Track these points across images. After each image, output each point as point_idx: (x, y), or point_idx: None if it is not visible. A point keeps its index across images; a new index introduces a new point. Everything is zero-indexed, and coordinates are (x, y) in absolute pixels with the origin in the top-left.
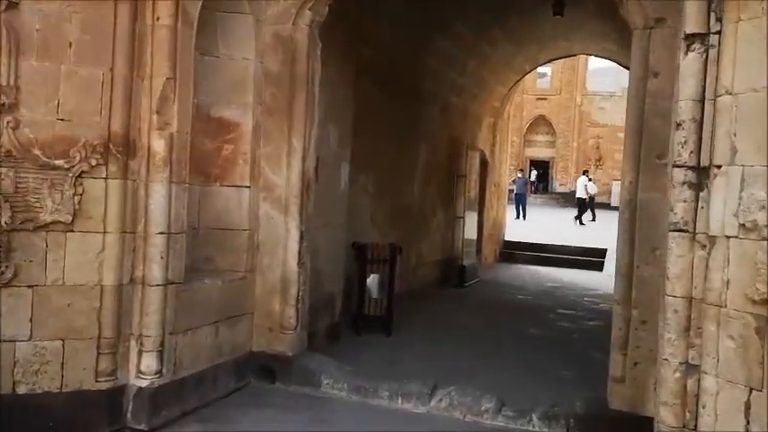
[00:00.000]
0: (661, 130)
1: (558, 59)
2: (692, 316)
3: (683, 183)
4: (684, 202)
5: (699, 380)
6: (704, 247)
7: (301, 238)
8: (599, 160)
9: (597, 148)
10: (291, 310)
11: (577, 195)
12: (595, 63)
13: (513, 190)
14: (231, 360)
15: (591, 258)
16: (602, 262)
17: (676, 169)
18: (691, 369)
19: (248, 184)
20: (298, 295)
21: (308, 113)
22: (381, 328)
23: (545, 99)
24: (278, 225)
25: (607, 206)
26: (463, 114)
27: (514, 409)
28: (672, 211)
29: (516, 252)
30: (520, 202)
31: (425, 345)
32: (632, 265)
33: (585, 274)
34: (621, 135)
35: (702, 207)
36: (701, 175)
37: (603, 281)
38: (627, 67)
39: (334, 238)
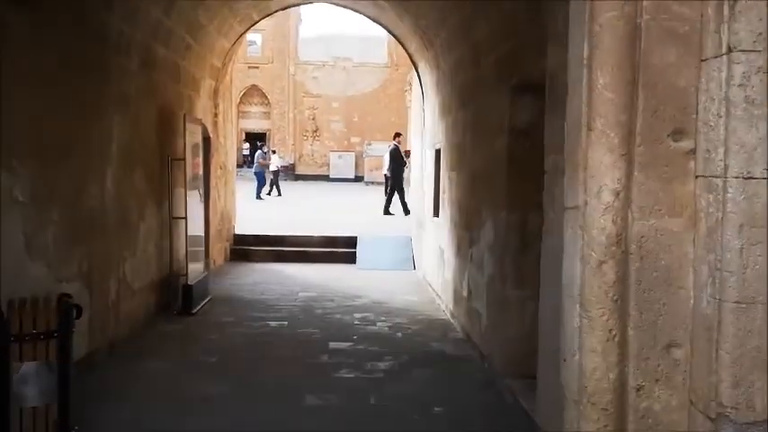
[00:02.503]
0: (679, 76)
1: (294, 6)
2: None
3: None
4: None
5: None
6: None
7: None
8: (315, 131)
9: (313, 119)
10: None
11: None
12: (306, 32)
13: (259, 172)
14: None
15: (337, 249)
16: (353, 253)
17: None
18: None
19: None
20: None
21: None
22: None
23: (257, 68)
24: None
25: (326, 178)
26: (175, 73)
27: None
28: None
29: (250, 249)
30: (270, 180)
31: None
32: (624, 385)
33: (337, 270)
34: (336, 105)
35: None
36: None
37: (362, 280)
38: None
39: None
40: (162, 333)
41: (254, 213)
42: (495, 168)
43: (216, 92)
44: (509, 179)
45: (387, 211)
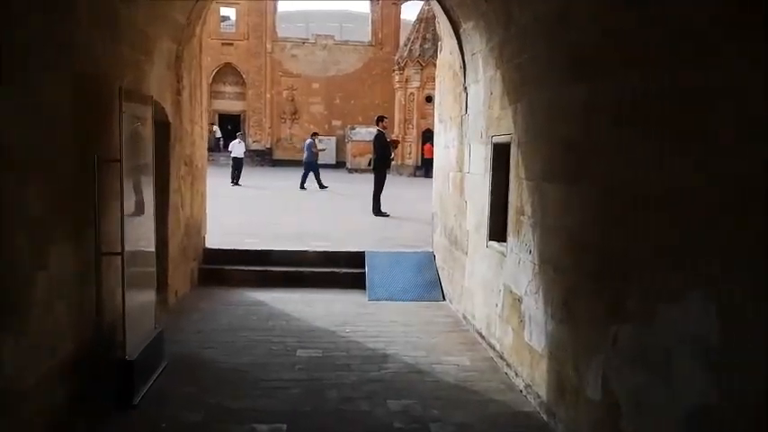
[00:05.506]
0: None
1: None
2: None
3: None
4: None
5: None
6: None
7: None
8: (294, 114)
9: (292, 100)
10: None
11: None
12: (284, 6)
13: (310, 162)
14: None
15: (339, 270)
16: (360, 275)
17: None
18: None
19: None
20: None
21: None
22: None
23: (231, 44)
24: None
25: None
26: (111, 24)
27: None
28: None
29: (225, 269)
30: (312, 171)
31: None
32: None
33: (342, 301)
34: (316, 86)
35: None
36: None
37: (380, 323)
38: None
39: None
40: None
41: (225, 216)
42: (728, 195)
43: (179, 59)
44: None
45: (378, 212)
